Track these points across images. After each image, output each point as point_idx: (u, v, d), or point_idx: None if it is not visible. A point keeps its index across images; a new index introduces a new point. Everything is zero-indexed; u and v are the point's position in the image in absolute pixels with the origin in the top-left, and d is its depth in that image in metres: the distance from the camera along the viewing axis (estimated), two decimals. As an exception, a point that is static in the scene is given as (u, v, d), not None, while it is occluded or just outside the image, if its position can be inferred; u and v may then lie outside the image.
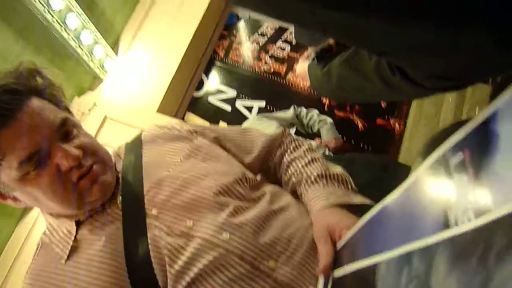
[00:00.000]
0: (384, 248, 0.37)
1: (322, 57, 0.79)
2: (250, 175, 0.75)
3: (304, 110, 2.21)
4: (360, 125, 2.57)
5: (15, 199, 0.66)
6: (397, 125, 2.52)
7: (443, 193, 0.29)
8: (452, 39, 0.34)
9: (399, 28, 0.33)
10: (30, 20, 1.74)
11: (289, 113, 2.18)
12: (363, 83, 0.64)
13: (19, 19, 1.69)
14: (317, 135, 2.20)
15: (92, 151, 0.66)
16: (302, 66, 0.88)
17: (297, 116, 2.18)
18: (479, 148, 0.26)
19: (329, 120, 2.16)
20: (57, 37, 1.89)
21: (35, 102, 0.62)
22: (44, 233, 0.70)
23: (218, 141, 0.81)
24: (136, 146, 0.76)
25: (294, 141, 0.86)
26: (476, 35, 0.32)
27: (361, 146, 2.53)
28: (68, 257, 0.63)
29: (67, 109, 0.70)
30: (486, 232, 0.23)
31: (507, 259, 0.20)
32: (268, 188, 0.75)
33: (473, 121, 0.26)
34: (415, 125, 2.42)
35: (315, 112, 2.20)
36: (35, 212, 1.97)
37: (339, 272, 0.52)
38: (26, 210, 1.98)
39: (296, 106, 2.22)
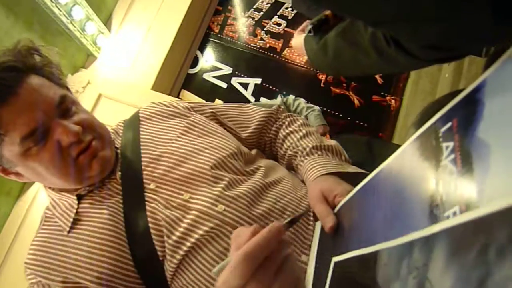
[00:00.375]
0: (384, 231, 0.38)
1: (319, 29, 0.79)
2: (245, 149, 0.77)
3: (291, 97, 2.24)
4: (356, 101, 2.57)
5: (17, 174, 0.68)
6: (393, 102, 2.52)
7: (431, 166, 0.30)
8: (448, 9, 0.33)
9: None
10: (19, -5, 1.70)
11: (276, 101, 2.22)
12: (359, 55, 0.64)
13: (8, -6, 1.65)
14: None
15: (91, 127, 0.68)
16: (298, 39, 0.87)
17: (285, 103, 2.21)
18: (466, 117, 0.27)
19: (317, 107, 2.19)
20: (47, 13, 1.85)
21: (34, 80, 0.64)
22: (47, 208, 0.72)
23: (215, 116, 0.83)
24: (134, 123, 0.78)
25: (289, 116, 0.87)
26: (473, 5, 0.32)
27: (357, 122, 2.53)
28: (70, 229, 0.66)
29: (65, 87, 0.72)
30: (485, 224, 0.22)
31: (509, 255, 0.19)
32: (263, 162, 0.77)
33: (463, 92, 0.27)
34: (411, 101, 2.42)
35: (302, 100, 2.23)
36: (33, 190, 1.98)
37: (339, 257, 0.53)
38: (23, 189, 2.00)
39: (282, 95, 2.25)
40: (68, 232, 0.65)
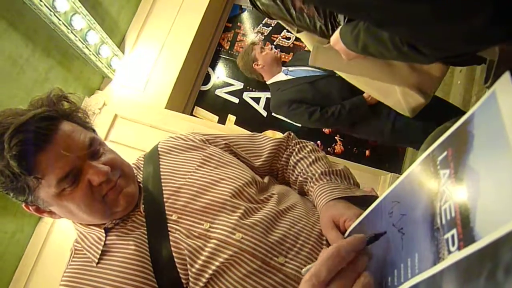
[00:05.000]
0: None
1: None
2: (259, 178, 0.81)
3: None
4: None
5: (50, 212, 0.73)
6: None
7: (431, 191, 0.32)
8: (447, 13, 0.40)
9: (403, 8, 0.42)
10: (37, 23, 1.77)
11: None
12: (383, 50, 0.73)
13: (26, 23, 1.73)
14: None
15: (117, 166, 0.72)
16: (335, 33, 0.92)
17: None
18: (459, 147, 0.28)
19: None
20: (64, 39, 1.92)
21: (66, 126, 0.69)
22: (76, 241, 0.76)
23: (229, 147, 0.87)
24: (153, 157, 0.82)
25: (299, 143, 0.91)
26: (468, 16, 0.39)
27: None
28: (99, 260, 0.69)
29: (92, 129, 0.77)
30: (491, 251, 0.24)
31: None
32: (276, 189, 0.80)
33: (456, 124, 0.29)
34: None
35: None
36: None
37: None
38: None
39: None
40: (97, 263, 0.68)
